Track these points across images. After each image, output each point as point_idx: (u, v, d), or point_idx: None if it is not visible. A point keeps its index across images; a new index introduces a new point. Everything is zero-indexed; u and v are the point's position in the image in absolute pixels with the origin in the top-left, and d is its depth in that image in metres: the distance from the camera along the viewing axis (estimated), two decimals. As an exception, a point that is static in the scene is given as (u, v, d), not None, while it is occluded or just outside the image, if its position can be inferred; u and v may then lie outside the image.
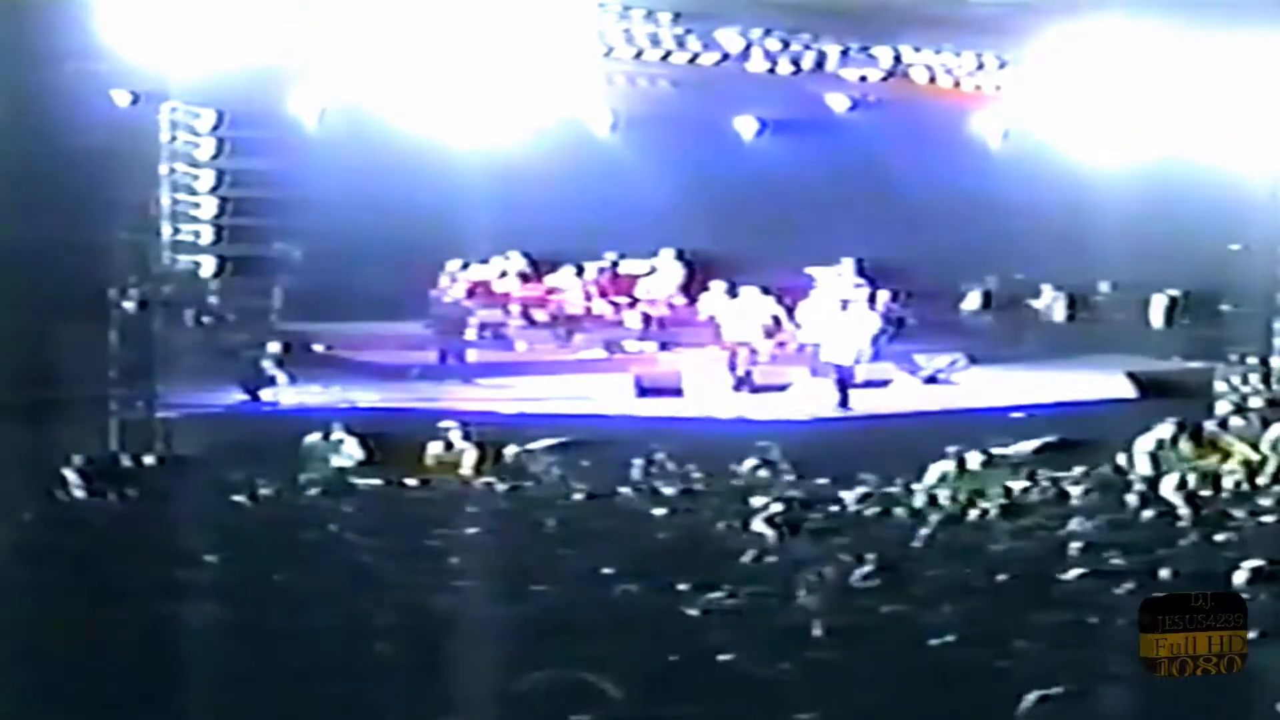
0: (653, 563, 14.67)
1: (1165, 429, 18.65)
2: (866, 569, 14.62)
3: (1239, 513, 17.13)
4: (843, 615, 13.17)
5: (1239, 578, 13.92)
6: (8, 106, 18.53)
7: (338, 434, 18.59)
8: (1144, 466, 18.50)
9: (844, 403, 20.20)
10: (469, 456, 18.70)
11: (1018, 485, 18.01)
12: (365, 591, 13.77)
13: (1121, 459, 18.66)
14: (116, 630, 12.53)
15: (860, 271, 21.91)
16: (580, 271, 22.29)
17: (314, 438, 18.54)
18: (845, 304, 21.36)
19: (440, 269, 21.99)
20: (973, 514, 17.23)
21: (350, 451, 18.54)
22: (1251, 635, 11.25)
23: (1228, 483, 18.30)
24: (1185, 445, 18.72)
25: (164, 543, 15.26)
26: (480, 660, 11.82)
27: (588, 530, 16.45)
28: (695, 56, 21.72)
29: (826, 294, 21.74)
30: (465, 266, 22.10)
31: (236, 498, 17.22)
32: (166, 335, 19.08)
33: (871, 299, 21.49)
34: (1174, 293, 21.96)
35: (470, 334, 21.72)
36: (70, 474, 17.33)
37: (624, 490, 17.88)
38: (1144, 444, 18.63)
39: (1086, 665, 11.60)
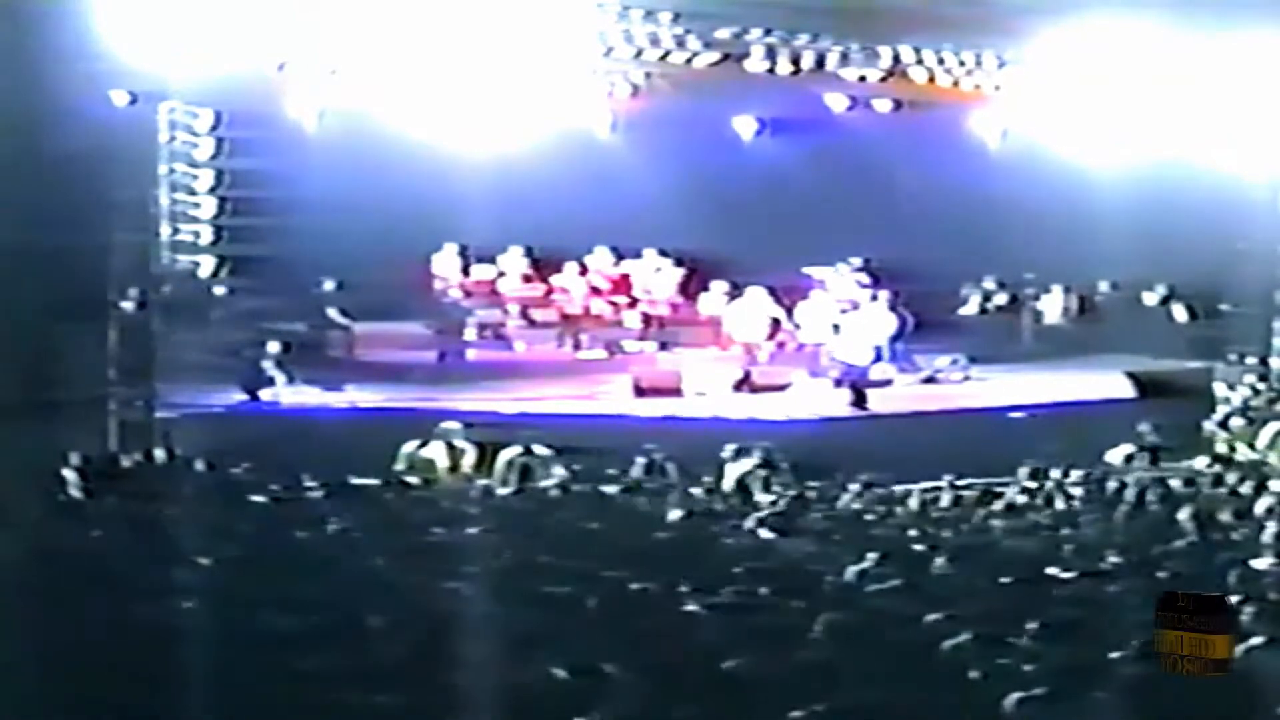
0: (653, 563, 14.66)
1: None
2: (865, 568, 14.61)
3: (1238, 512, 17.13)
4: (842, 614, 13.17)
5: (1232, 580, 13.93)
6: (8, 106, 18.54)
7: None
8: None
9: (861, 403, 20.22)
10: (469, 456, 18.70)
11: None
12: (366, 592, 13.76)
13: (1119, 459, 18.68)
14: (116, 630, 12.52)
15: (866, 271, 21.92)
16: (581, 272, 22.29)
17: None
18: (856, 304, 21.45)
19: (440, 269, 22.00)
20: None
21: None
22: (1257, 640, 11.27)
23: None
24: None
25: (163, 543, 15.26)
26: (480, 660, 11.82)
27: (588, 530, 16.45)
28: (695, 56, 21.73)
29: (828, 294, 21.77)
30: (466, 267, 22.11)
31: (236, 498, 17.21)
32: (166, 335, 19.07)
33: (881, 298, 21.51)
34: (1171, 292, 21.97)
35: (470, 334, 21.72)
36: (70, 474, 17.32)
37: (624, 490, 17.88)
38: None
39: (1085, 665, 11.60)
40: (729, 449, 18.34)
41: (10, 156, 18.40)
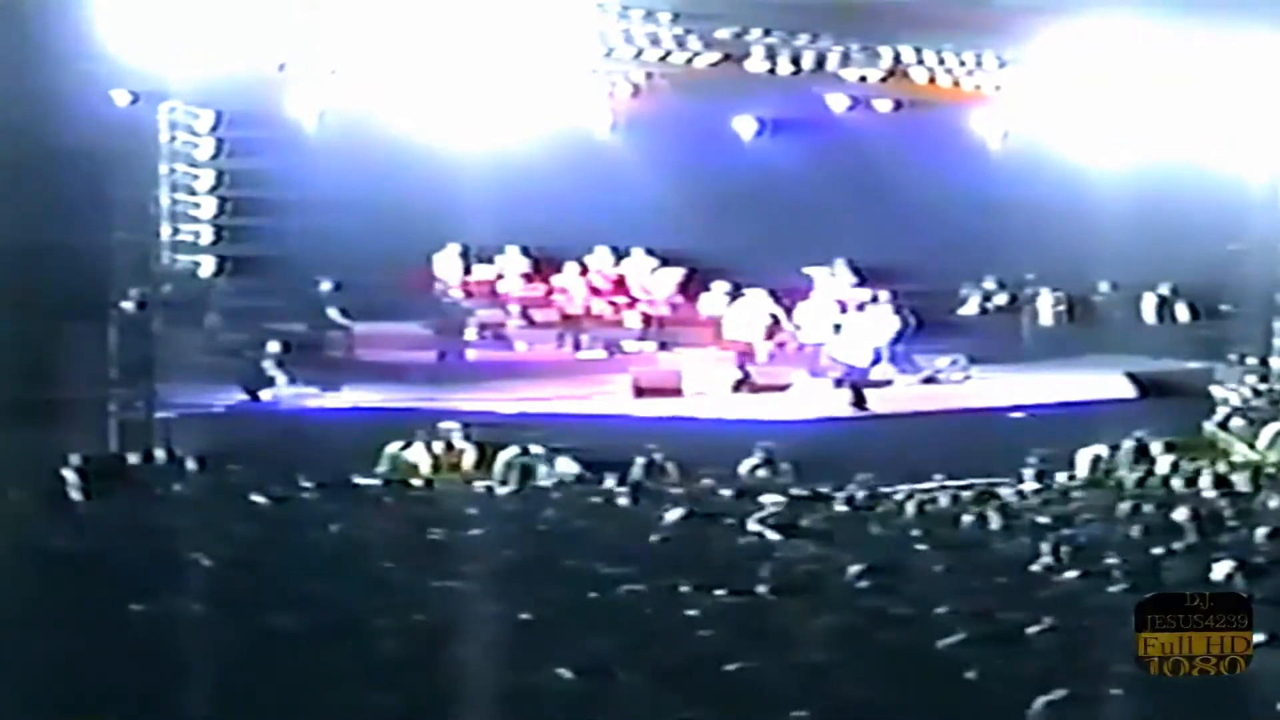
0: (653, 563, 14.66)
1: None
2: (865, 568, 14.61)
3: (1237, 512, 17.13)
4: (842, 615, 13.17)
5: (1220, 574, 13.93)
6: (8, 106, 18.54)
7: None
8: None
9: (861, 403, 20.23)
10: (469, 456, 18.70)
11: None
12: (366, 592, 13.76)
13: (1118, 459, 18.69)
14: (116, 630, 12.53)
15: (860, 273, 21.92)
16: (582, 272, 22.28)
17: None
18: (859, 305, 21.46)
19: (440, 269, 21.99)
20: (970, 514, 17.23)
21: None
22: (1259, 638, 11.26)
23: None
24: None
25: (163, 543, 15.26)
26: (480, 660, 11.82)
27: (588, 530, 16.44)
28: (695, 56, 21.74)
29: (824, 294, 21.78)
30: (466, 268, 22.10)
31: (236, 498, 17.21)
32: (166, 335, 19.08)
33: (882, 299, 21.50)
34: (1172, 292, 21.96)
35: (470, 334, 21.72)
36: (70, 474, 17.32)
37: (624, 490, 17.88)
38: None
39: (1085, 666, 11.61)
40: (729, 449, 18.33)
41: (10, 156, 18.40)
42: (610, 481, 18.00)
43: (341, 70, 20.77)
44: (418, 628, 12.70)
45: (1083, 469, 18.41)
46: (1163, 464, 18.53)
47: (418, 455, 18.50)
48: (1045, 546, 15.42)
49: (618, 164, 21.37)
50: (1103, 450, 18.53)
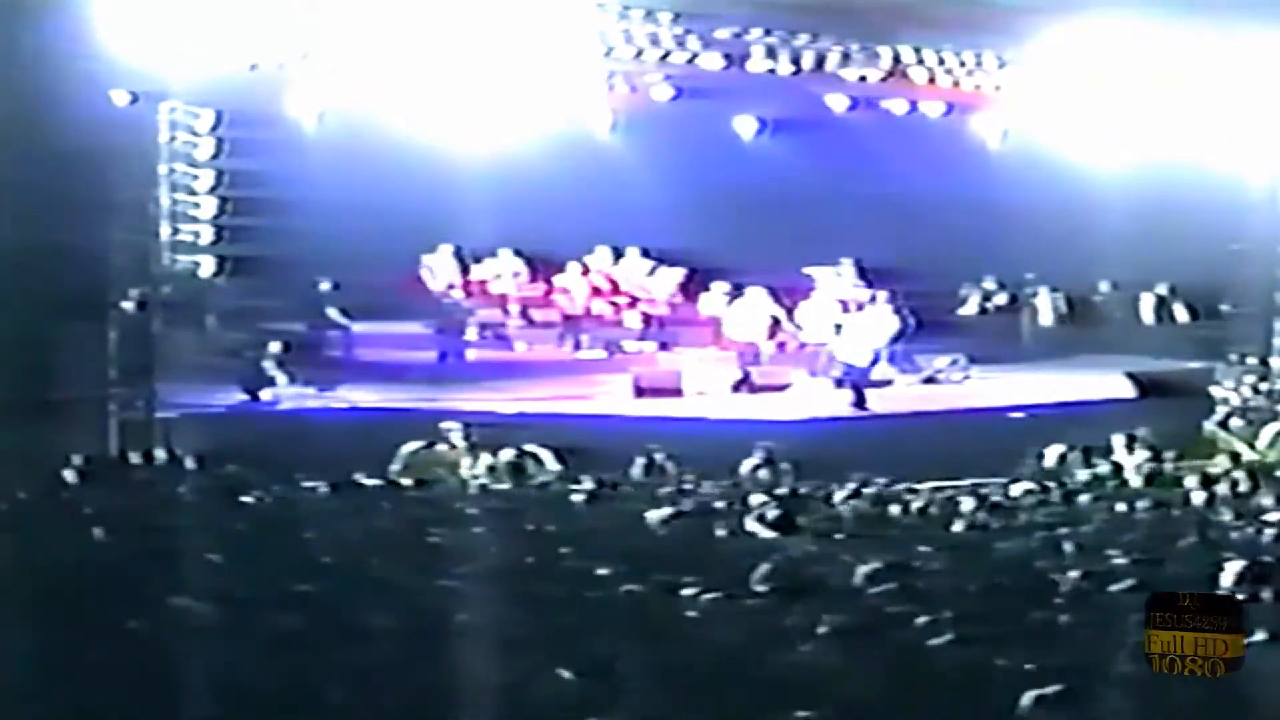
0: (652, 563, 14.66)
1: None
2: (866, 569, 14.61)
3: (1238, 512, 17.14)
4: (843, 615, 13.17)
5: (1227, 579, 13.91)
6: (8, 106, 18.54)
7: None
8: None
9: (861, 403, 20.25)
10: (468, 457, 18.70)
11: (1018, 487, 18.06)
12: (365, 592, 13.76)
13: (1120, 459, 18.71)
14: (116, 630, 12.52)
15: (860, 273, 21.92)
16: (584, 272, 22.29)
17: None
18: (860, 305, 21.46)
19: (439, 269, 22.00)
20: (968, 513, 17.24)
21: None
22: (1261, 637, 11.25)
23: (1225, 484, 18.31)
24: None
25: (163, 543, 15.26)
26: (479, 661, 11.82)
27: (588, 530, 16.44)
28: (695, 56, 21.74)
29: (826, 294, 21.78)
30: (465, 268, 22.11)
31: (236, 498, 17.21)
32: (166, 335, 19.09)
33: (882, 298, 21.50)
34: (1171, 292, 21.97)
35: (470, 334, 21.72)
36: (70, 474, 17.32)
37: (624, 490, 17.88)
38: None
39: (1086, 665, 11.60)
40: (729, 449, 18.33)
41: (10, 156, 18.40)
42: (610, 481, 18.03)
43: (341, 70, 20.77)
44: (416, 628, 12.70)
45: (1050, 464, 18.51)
46: (1159, 462, 18.56)
47: (432, 455, 18.52)
48: (1044, 546, 15.45)
49: (618, 164, 21.37)
50: (1062, 447, 18.62)
